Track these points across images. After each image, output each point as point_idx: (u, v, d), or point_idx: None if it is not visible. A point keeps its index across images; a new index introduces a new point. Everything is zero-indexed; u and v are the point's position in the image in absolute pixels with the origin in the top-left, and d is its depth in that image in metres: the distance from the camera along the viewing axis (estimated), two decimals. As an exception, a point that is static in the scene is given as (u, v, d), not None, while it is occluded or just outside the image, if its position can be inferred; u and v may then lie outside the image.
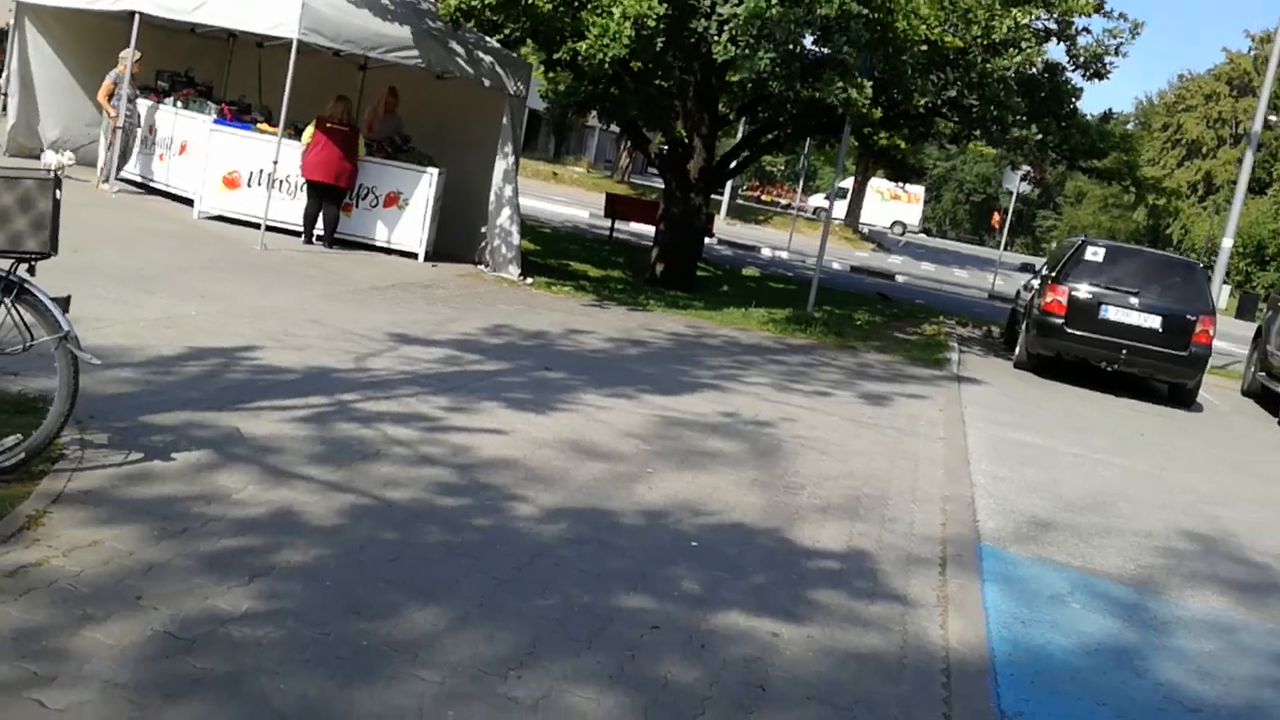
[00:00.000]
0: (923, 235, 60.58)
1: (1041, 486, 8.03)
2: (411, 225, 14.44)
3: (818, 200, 53.90)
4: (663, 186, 17.93)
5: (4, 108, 16.21)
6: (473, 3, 11.74)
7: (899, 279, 29.12)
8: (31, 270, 4.60)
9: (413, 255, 14.39)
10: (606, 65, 11.58)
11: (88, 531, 4.20)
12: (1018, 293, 16.80)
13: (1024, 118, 13.70)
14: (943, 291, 28.44)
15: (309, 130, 13.74)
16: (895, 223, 54.86)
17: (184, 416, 5.87)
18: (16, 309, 4.54)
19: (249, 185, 14.10)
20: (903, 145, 20.58)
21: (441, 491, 5.50)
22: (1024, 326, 14.13)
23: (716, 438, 7.51)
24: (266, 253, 12.57)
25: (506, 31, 12.92)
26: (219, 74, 17.69)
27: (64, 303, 4.64)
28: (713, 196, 19.34)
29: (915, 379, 11.79)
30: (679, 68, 15.34)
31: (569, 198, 34.71)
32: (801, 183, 40.08)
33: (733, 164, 18.01)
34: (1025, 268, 16.80)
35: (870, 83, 12.09)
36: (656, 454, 6.84)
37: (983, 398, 11.50)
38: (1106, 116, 16.39)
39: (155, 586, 3.88)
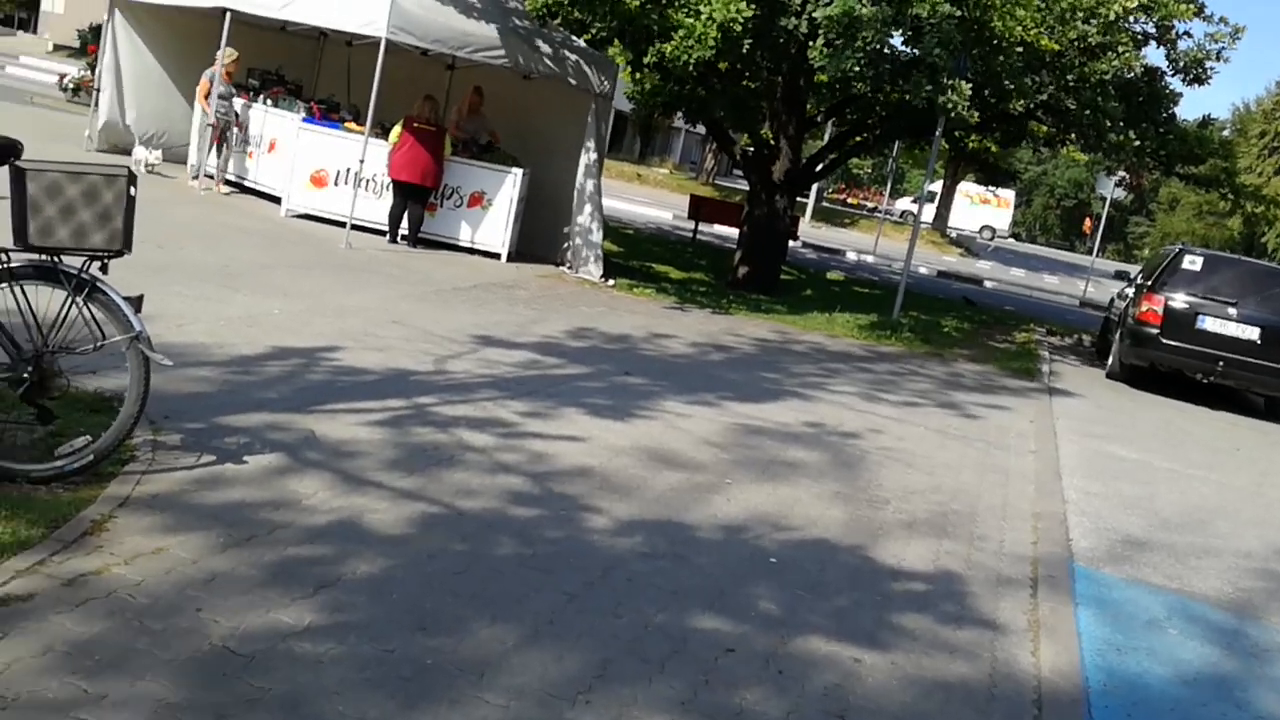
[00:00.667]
0: (1011, 240, 59.41)
1: (1136, 503, 7.67)
2: (495, 225, 14.37)
3: (905, 203, 53.14)
4: (747, 189, 17.66)
5: (96, 103, 16.48)
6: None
7: (987, 284, 28.48)
8: (104, 268, 4.52)
9: (495, 256, 14.32)
10: (692, 67, 11.37)
11: (152, 539, 4.11)
12: (1111, 301, 16.26)
13: (1121, 123, 13.21)
14: (1033, 298, 27.75)
15: (396, 129, 13.74)
16: (984, 227, 53.82)
17: (260, 418, 5.79)
18: (89, 307, 4.46)
19: (335, 184, 14.13)
20: (994, 149, 20.02)
21: (515, 501, 5.34)
22: (1118, 336, 13.64)
23: (798, 447, 7.28)
24: (351, 251, 12.58)
25: (594, 30, 12.76)
26: (309, 73, 17.84)
27: (136, 302, 4.56)
28: (798, 199, 19.03)
29: (1006, 389, 11.42)
30: (766, 68, 15.08)
31: (653, 199, 34.56)
32: (889, 185, 39.47)
33: (819, 166, 17.67)
34: (1120, 275, 16.24)
35: (968, 84, 11.71)
36: (736, 463, 6.63)
37: (1075, 409, 11.09)
38: (1204, 122, 15.74)
39: (217, 598, 3.77)
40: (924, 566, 5.49)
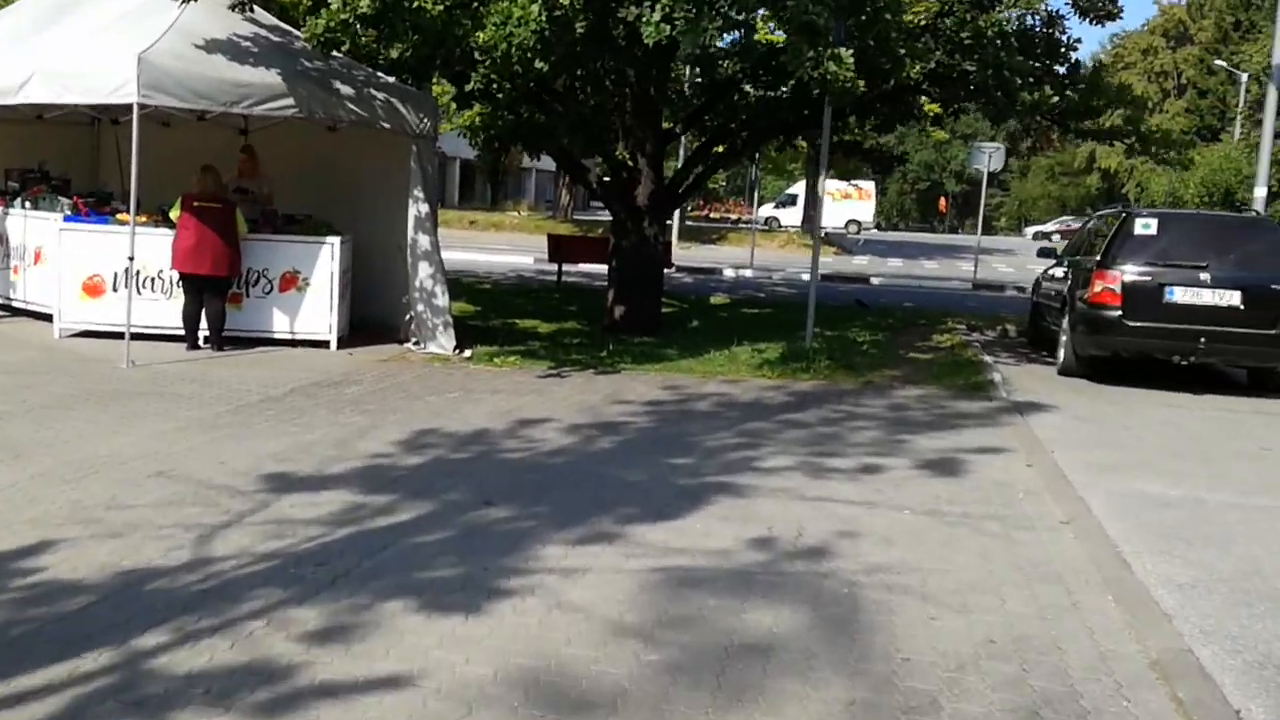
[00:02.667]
0: (874, 231, 58.09)
1: (1239, 583, 5.23)
2: (317, 308, 11.54)
3: (768, 210, 51.20)
4: (610, 220, 15.09)
5: None
6: (343, 16, 8.89)
7: (874, 281, 26.41)
8: None
9: (324, 344, 11.51)
10: (515, 63, 8.79)
11: None
12: (1037, 283, 14.03)
13: (1031, 79, 10.99)
14: (923, 288, 25.77)
15: (174, 212, 10.87)
16: (850, 221, 52.13)
17: None
18: None
19: (115, 289, 11.17)
20: (865, 137, 17.88)
21: None
22: (1066, 324, 11.33)
23: (757, 603, 4.63)
24: (133, 370, 9.67)
25: (395, 55, 10.15)
26: (85, 165, 14.77)
27: None
28: (666, 223, 16.51)
29: (967, 417, 9.00)
30: (610, 78, 12.56)
31: (511, 245, 31.81)
32: (756, 194, 37.30)
33: (684, 185, 15.19)
34: (1045, 253, 13.99)
35: (850, 51, 9.31)
36: (674, 674, 3.95)
37: (1060, 432, 8.70)
38: (1096, 68, 13.78)
39: None
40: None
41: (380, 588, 4.62)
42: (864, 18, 9.83)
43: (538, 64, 9.33)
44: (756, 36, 11.06)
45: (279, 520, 5.55)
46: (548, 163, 48.17)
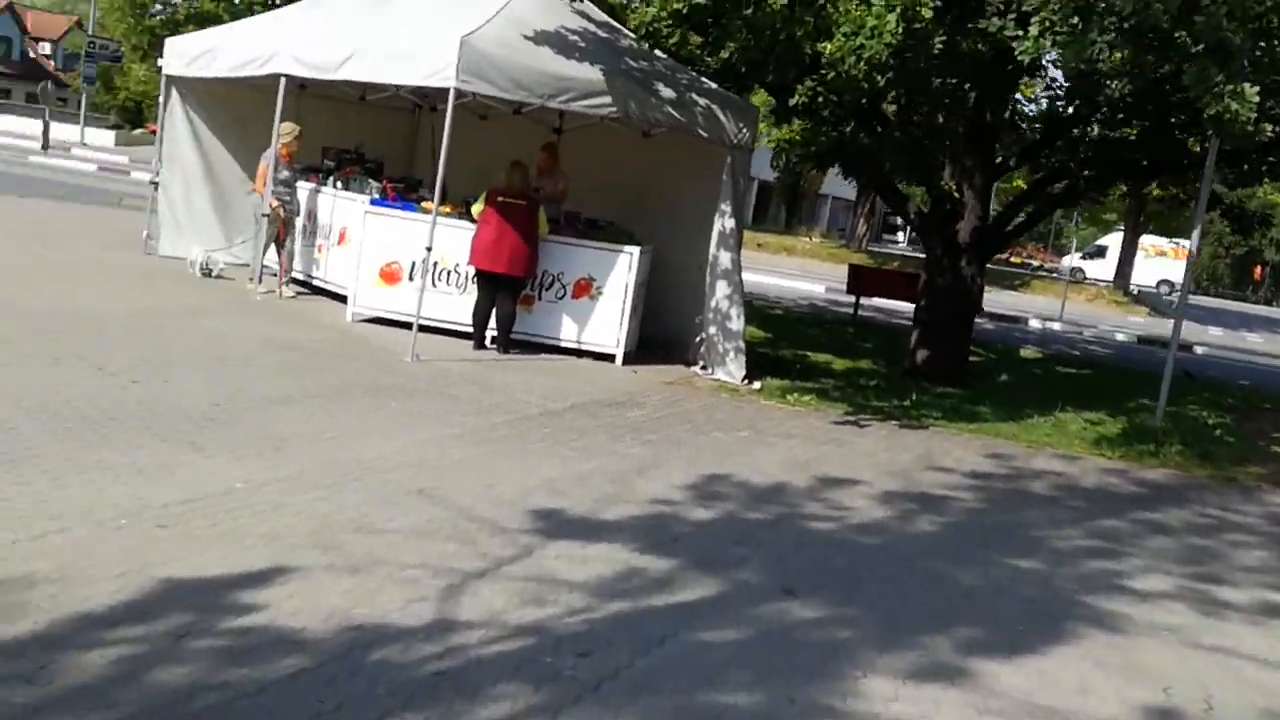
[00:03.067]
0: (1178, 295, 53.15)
1: None
2: (607, 320, 10.70)
3: (1073, 260, 47.62)
4: (907, 254, 13.61)
5: (154, 200, 13.55)
6: (676, 5, 7.91)
7: (1199, 350, 23.57)
8: None
9: (609, 358, 10.65)
10: (861, 79, 7.54)
11: None
12: None
13: None
14: (1255, 364, 22.78)
15: (478, 206, 10.26)
16: (1161, 282, 47.80)
17: None
18: None
19: (410, 278, 10.69)
20: (1224, 193, 15.54)
21: None
22: None
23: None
24: (417, 365, 9.07)
25: (723, 56, 9.13)
26: (403, 151, 14.61)
27: None
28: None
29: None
30: (946, 100, 11.12)
31: (803, 271, 30.52)
32: (1071, 241, 34.34)
33: (1013, 223, 13.48)
34: None
35: (1255, 89, 7.56)
36: None
37: None
38: None
39: None
40: None
41: (653, 708, 3.50)
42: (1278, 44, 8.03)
43: (881, 80, 8.08)
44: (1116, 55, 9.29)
45: (541, 577, 4.56)
46: (844, 190, 46.66)
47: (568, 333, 10.75)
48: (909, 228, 14.55)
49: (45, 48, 65.10)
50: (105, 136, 39.39)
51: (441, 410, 7.60)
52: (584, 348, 10.72)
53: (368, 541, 4.73)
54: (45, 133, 31.80)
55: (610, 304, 10.68)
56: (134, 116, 49.56)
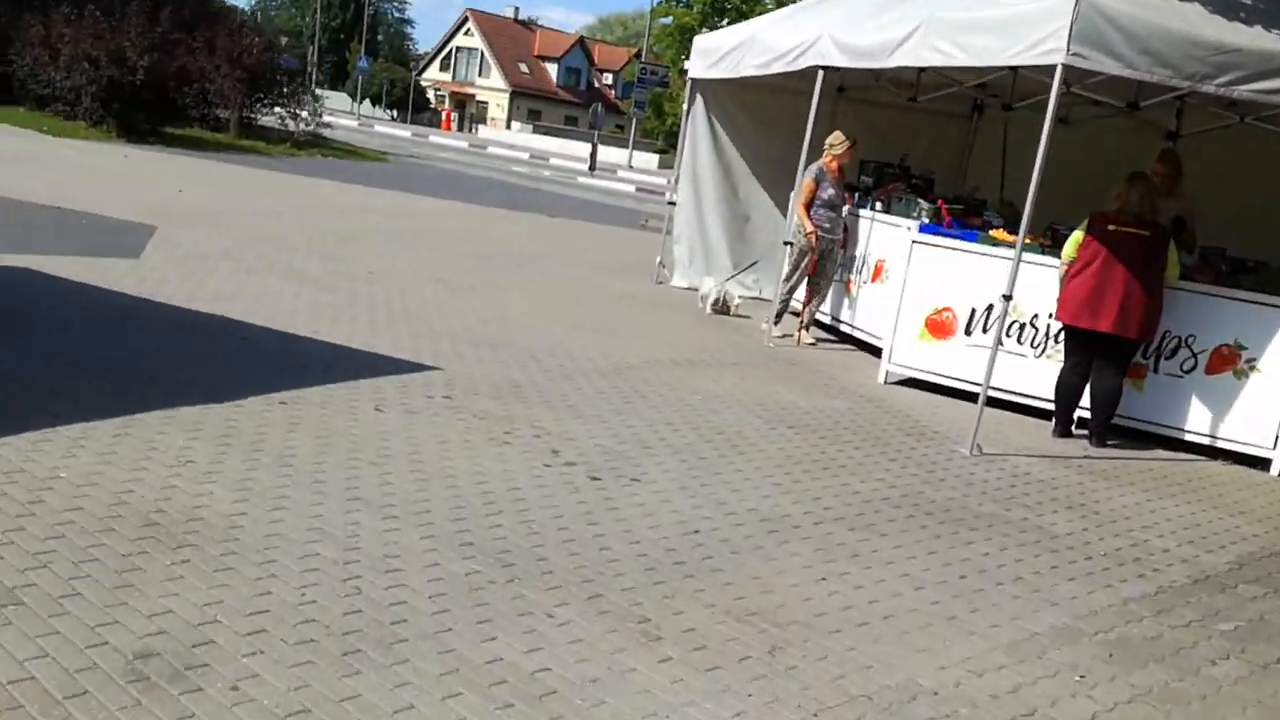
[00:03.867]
0: None
1: None
2: (1258, 407, 7.00)
3: None
4: None
5: (670, 223, 11.62)
6: None
7: None
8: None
9: (1262, 463, 6.96)
10: None
11: None
12: None
13: None
14: None
15: (1075, 236, 7.00)
16: None
17: None
18: None
19: (968, 331, 7.68)
20: None
21: None
22: None
23: None
24: (979, 463, 6.09)
25: None
26: (954, 163, 11.59)
27: None
28: None
29: None
30: None
31: None
32: None
33: None
34: None
35: None
36: None
37: None
38: None
39: None
40: None
41: None
42: None
43: None
44: None
45: None
46: None
47: (1196, 422, 7.19)
48: None
49: (609, 78, 69.41)
50: (650, 160, 40.05)
51: (1026, 563, 4.57)
52: (1220, 445, 7.11)
53: None
54: (593, 155, 32.36)
55: (1265, 384, 6.98)
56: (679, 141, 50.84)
